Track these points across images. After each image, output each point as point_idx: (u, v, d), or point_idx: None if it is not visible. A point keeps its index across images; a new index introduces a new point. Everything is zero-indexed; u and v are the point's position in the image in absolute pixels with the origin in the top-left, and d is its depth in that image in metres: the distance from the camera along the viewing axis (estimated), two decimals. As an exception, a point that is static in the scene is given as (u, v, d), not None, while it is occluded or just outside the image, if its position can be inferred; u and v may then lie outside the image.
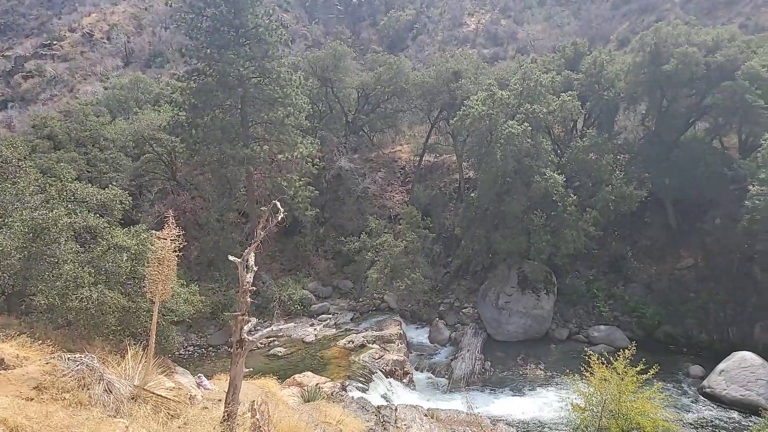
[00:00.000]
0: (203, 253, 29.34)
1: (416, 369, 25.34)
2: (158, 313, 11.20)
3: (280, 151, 30.77)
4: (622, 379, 12.24)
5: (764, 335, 25.03)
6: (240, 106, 30.09)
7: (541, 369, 24.84)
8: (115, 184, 33.59)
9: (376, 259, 30.57)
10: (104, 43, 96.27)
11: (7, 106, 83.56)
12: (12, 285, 13.42)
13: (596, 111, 34.91)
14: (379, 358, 23.70)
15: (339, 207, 39.00)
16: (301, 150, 30.46)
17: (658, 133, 32.31)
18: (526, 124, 27.94)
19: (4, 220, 13.61)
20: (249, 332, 9.87)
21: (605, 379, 12.54)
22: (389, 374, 22.98)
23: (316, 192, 33.47)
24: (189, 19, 28.85)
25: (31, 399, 7.77)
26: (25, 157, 15.99)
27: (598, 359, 13.24)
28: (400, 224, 33.87)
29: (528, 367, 24.99)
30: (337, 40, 46.51)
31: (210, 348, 26.73)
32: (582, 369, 13.70)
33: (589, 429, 12.46)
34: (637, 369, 12.78)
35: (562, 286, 29.88)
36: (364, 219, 35.26)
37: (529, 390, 23.09)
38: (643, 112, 34.93)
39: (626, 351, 12.94)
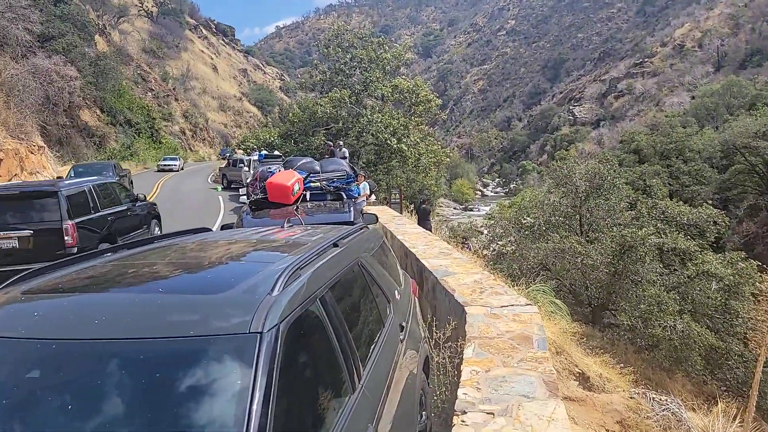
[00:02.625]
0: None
1: None
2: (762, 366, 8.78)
3: None
4: None
5: None
6: None
7: None
8: (698, 197, 31.51)
9: None
10: (695, 51, 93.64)
11: (599, 124, 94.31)
12: (598, 297, 13.98)
13: None
14: None
15: None
16: None
17: None
18: None
19: (596, 235, 14.42)
20: None
21: None
22: None
23: None
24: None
25: (614, 435, 7.29)
26: (617, 173, 16.57)
27: None
28: None
29: None
30: None
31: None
32: None
33: None
34: None
35: None
36: None
37: None
38: None
39: None
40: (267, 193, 5.72)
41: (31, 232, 7.29)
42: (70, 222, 7.40)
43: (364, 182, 12.79)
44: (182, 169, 37.32)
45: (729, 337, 12.00)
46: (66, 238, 7.36)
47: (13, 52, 26.09)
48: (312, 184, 5.98)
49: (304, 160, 6.73)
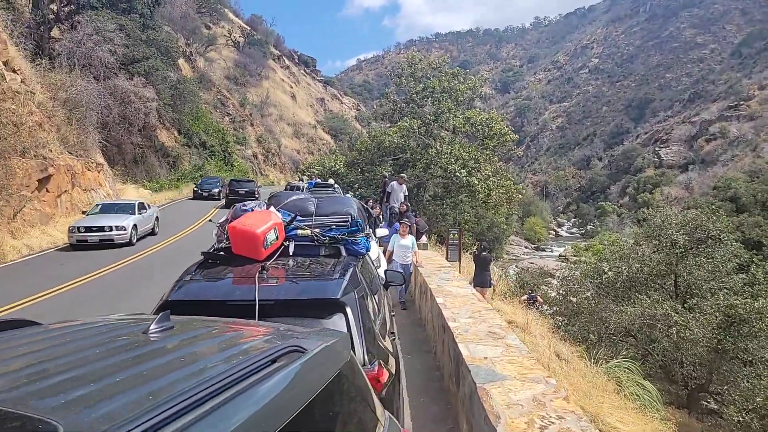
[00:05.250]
0: None
1: None
2: None
3: None
4: None
5: None
6: None
7: None
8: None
9: None
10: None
11: (688, 168, 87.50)
12: (695, 377, 11.40)
13: None
14: None
15: None
16: None
17: None
18: None
19: (696, 301, 11.85)
20: None
21: None
22: None
23: None
24: None
25: None
26: (724, 225, 13.76)
27: None
28: None
29: None
30: None
31: None
32: None
33: None
34: None
35: None
36: None
37: None
38: None
39: None
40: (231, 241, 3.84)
41: (247, 190, 28.27)
42: (257, 188, 30.20)
43: (409, 235, 10.10)
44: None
45: None
46: (255, 195, 27.15)
47: (96, 73, 27.10)
48: (299, 232, 4.16)
49: (294, 197, 4.87)
